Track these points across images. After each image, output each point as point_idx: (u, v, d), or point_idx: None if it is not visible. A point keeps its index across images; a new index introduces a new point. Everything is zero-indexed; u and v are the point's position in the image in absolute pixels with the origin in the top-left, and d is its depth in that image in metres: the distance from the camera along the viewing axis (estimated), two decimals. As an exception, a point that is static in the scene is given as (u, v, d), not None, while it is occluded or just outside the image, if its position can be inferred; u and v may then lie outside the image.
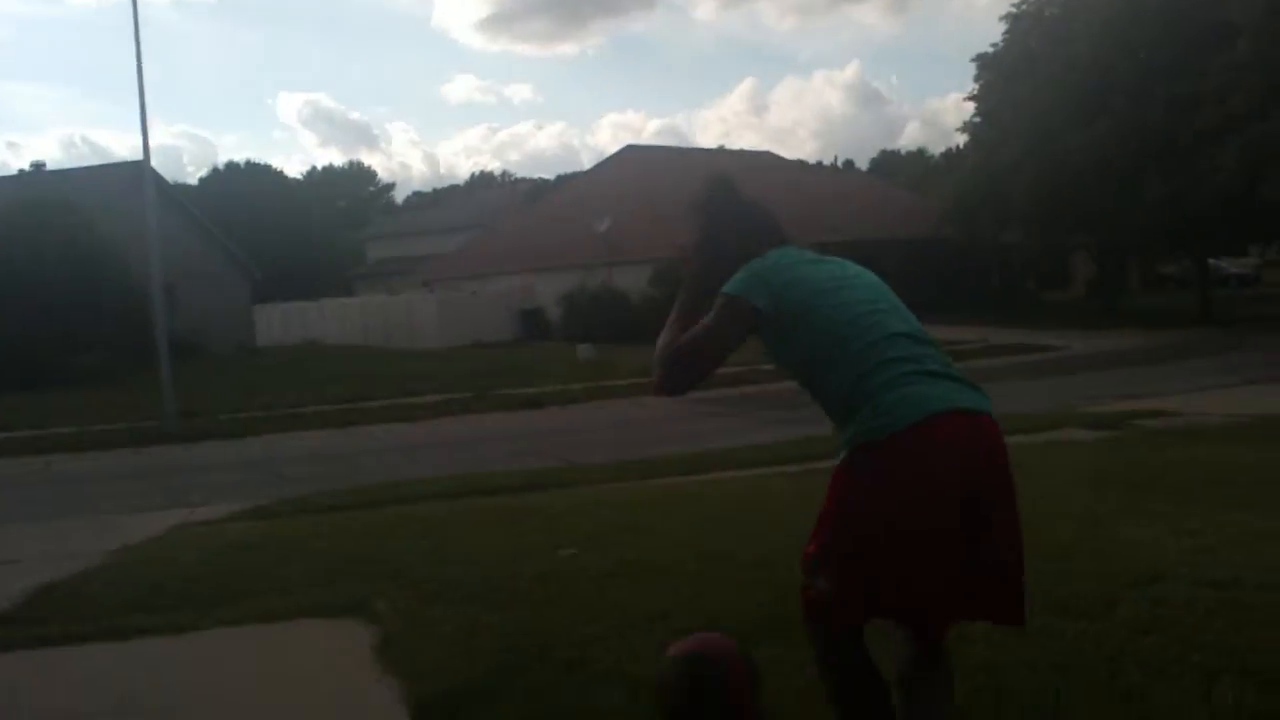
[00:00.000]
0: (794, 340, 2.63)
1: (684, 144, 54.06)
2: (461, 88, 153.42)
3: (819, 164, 59.37)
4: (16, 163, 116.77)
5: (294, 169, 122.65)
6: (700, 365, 2.75)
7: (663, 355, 2.74)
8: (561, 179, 63.63)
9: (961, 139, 41.60)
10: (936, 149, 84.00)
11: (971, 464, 2.47)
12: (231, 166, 63.76)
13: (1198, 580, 4.32)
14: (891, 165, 71.37)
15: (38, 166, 40.57)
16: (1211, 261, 37.29)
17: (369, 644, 4.34)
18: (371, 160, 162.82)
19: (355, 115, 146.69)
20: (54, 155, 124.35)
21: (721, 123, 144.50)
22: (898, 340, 2.55)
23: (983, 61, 35.54)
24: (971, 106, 36.34)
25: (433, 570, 5.36)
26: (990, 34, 69.04)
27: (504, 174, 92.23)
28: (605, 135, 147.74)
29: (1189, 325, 30.19)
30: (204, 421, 17.35)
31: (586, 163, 55.67)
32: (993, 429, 2.55)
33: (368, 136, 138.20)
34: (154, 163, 18.61)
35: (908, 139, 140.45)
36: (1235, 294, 42.17)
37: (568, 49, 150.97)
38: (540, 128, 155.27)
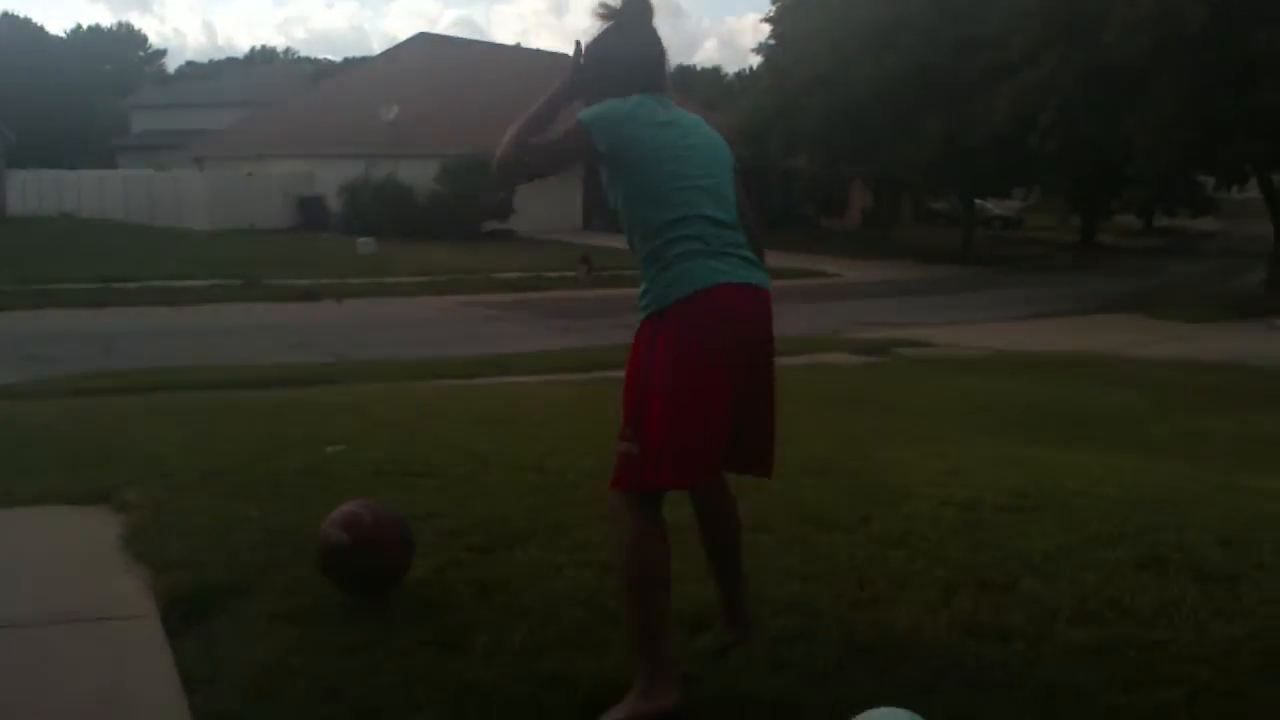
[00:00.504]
0: (616, 185, 2.87)
1: (480, 37, 52.64)
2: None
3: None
4: None
5: (56, 25, 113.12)
6: (532, 168, 3.09)
7: (508, 141, 2.96)
8: (350, 62, 61.19)
9: (756, 60, 42.23)
10: (731, 68, 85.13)
11: (743, 326, 2.78)
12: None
13: (944, 500, 4.58)
14: (687, 80, 71.63)
15: None
16: (978, 202, 39.34)
17: (117, 533, 4.13)
18: (143, 23, 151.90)
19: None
20: None
21: (519, 20, 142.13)
22: (697, 221, 2.77)
23: (782, -16, 36.02)
24: (767, 29, 36.82)
25: (188, 460, 5.13)
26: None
27: (288, 51, 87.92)
28: (398, 22, 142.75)
29: (953, 261, 31.88)
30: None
31: (377, 48, 53.53)
32: (765, 299, 2.85)
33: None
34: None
35: (704, 56, 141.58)
36: (998, 234, 44.71)
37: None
38: (330, 6, 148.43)
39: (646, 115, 2.87)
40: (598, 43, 3.04)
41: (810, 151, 35.16)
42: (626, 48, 3.02)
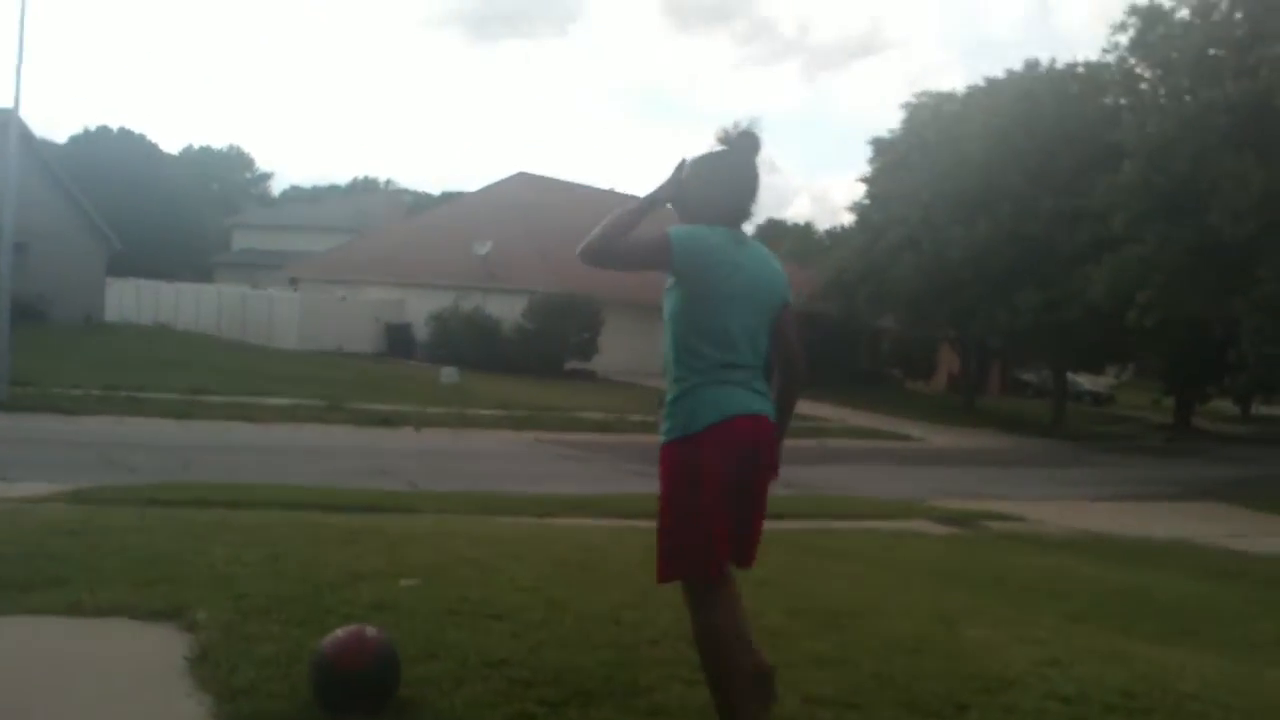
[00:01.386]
0: (671, 300, 3.33)
1: (578, 179, 53.75)
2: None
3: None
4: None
5: (171, 144, 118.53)
6: (613, 262, 3.39)
7: (599, 231, 3.29)
8: (448, 195, 62.97)
9: (849, 218, 42.60)
10: (823, 225, 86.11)
11: (749, 448, 3.26)
12: (104, 130, 61.18)
13: (1048, 694, 4.28)
14: (778, 234, 72.55)
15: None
16: (1070, 375, 38.74)
17: (183, 654, 3.99)
18: (252, 147, 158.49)
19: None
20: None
21: (617, 165, 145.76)
22: (729, 357, 3.26)
23: (878, 145, 36.53)
24: (862, 188, 37.24)
25: (261, 584, 5.01)
26: (890, 119, 70.99)
27: (389, 182, 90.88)
28: (498, 160, 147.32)
29: (1041, 434, 31.23)
30: (36, 393, 16.44)
31: (477, 184, 55.13)
32: (768, 426, 3.33)
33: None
34: (22, 112, 17.67)
35: (795, 211, 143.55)
36: (1089, 409, 43.87)
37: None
38: (433, 141, 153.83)
39: (724, 255, 3.25)
40: (705, 163, 3.35)
41: (899, 312, 35.09)
42: (730, 174, 3.35)
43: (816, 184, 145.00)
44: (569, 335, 32.32)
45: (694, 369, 3.25)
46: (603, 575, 6.15)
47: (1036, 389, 45.52)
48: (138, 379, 19.37)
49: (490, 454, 16.14)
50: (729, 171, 3.36)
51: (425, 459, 14.74)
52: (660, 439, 3.30)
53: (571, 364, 32.57)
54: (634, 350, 35.64)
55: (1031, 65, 32.34)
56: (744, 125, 3.36)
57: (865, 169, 37.15)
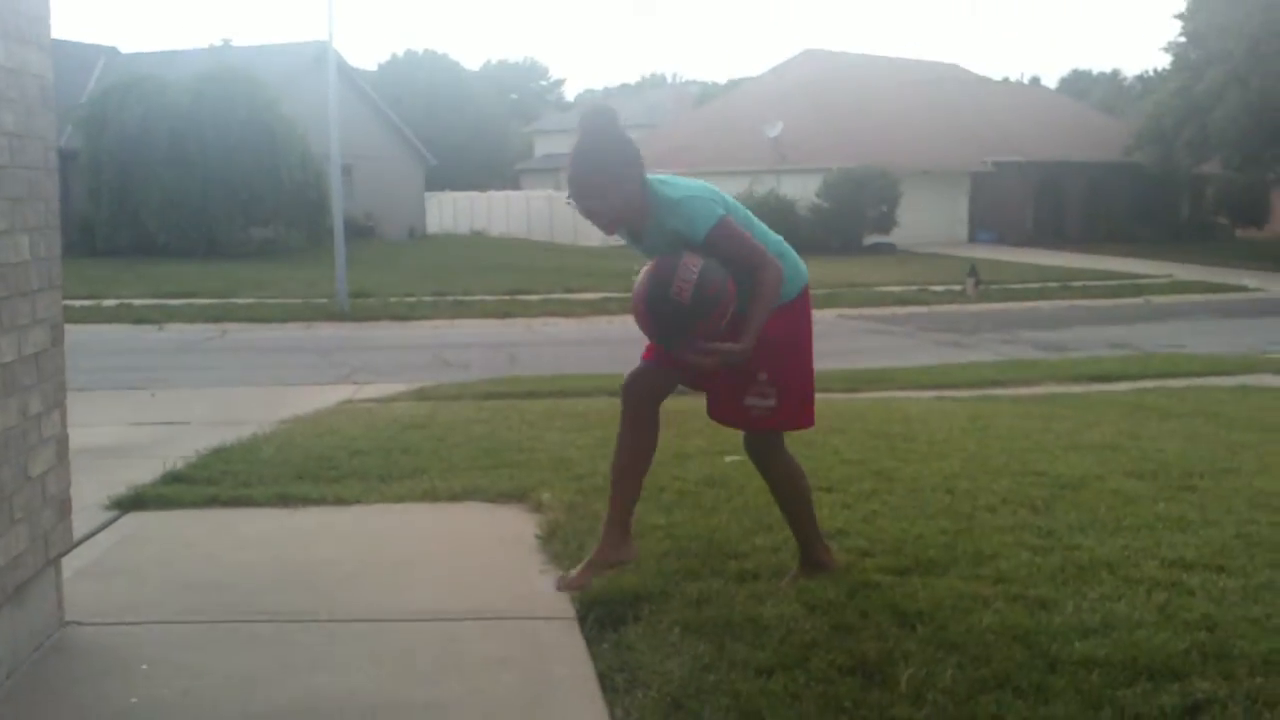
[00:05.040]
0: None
1: (864, 51, 51.31)
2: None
3: (1005, 80, 56.70)
4: (207, 37, 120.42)
5: (472, 60, 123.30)
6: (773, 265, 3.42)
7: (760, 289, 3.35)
8: (734, 83, 62.44)
9: (1161, 61, 39.14)
10: (1131, 71, 79.63)
11: None
12: (410, 55, 64.43)
13: None
14: (1083, 86, 67.78)
15: (225, 41, 41.60)
16: None
17: (534, 532, 4.25)
18: (546, 56, 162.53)
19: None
20: (242, 31, 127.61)
21: (909, 28, 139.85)
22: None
23: (1196, -25, 33.13)
24: (1178, 25, 34.01)
25: (596, 465, 5.24)
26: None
27: (675, 75, 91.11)
28: (785, 41, 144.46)
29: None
30: (374, 303, 17.73)
31: (764, 67, 54.30)
32: None
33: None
34: (336, 44, 18.80)
35: (1099, 59, 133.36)
36: None
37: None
38: (718, 30, 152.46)
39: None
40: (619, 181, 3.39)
41: (1224, 155, 32.13)
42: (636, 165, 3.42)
43: (1122, 24, 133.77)
44: (866, 210, 31.64)
45: (774, 238, 3.61)
46: (925, 445, 6.04)
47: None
48: (461, 284, 20.57)
49: (796, 334, 16.11)
50: (634, 164, 3.41)
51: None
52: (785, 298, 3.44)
53: (871, 238, 31.92)
54: (934, 220, 34.55)
55: None
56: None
57: (1179, 5, 33.86)
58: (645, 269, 3.33)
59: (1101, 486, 4.88)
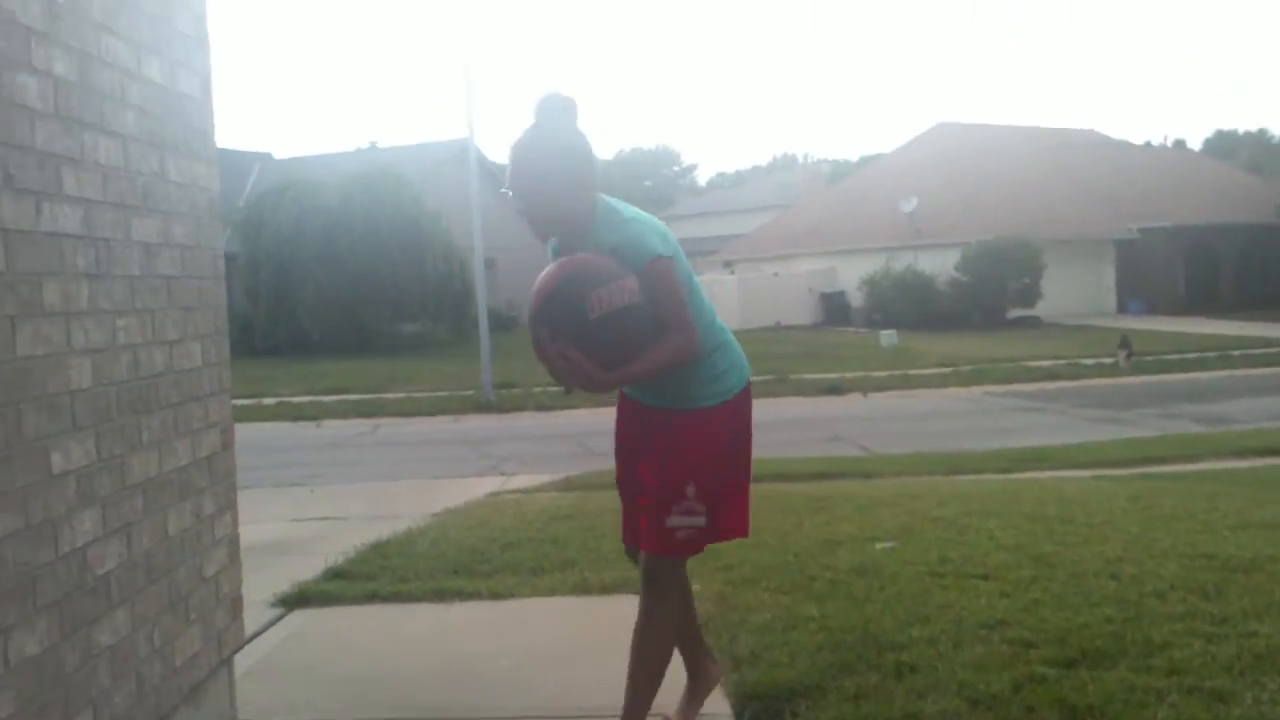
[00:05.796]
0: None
1: (997, 121, 50.66)
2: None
3: (1146, 143, 55.38)
4: (355, 140, 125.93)
5: (608, 150, 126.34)
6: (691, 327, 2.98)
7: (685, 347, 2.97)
8: (866, 159, 62.41)
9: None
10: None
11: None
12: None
13: None
14: (1228, 145, 65.67)
15: (372, 143, 43.44)
16: None
17: (684, 626, 4.23)
18: (678, 142, 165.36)
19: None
20: (388, 133, 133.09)
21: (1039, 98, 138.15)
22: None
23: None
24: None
25: (745, 554, 5.21)
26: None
27: (806, 155, 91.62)
28: (916, 116, 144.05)
29: None
30: (518, 393, 18.05)
31: (896, 143, 54.54)
32: None
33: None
34: (476, 141, 19.47)
35: (1246, 118, 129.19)
36: None
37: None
38: (847, 107, 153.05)
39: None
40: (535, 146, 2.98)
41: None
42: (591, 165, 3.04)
43: (1268, 82, 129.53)
44: (1008, 283, 31.06)
45: (719, 340, 3.14)
46: (1086, 528, 5.84)
47: None
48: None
49: (940, 412, 15.82)
50: (589, 164, 3.00)
51: (876, 423, 14.70)
52: (710, 402, 3.04)
53: (1014, 312, 31.27)
54: (1079, 291, 33.72)
55: None
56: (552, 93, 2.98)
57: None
58: (578, 258, 2.88)
59: (1275, 569, 4.64)
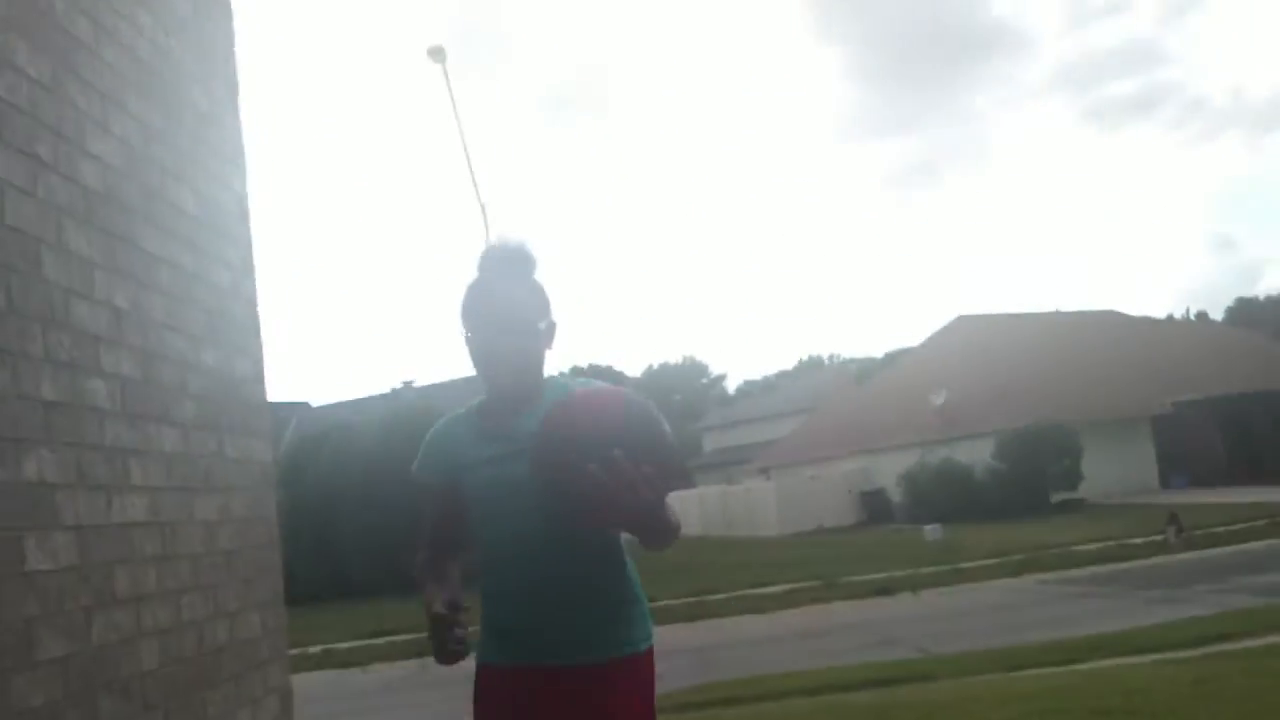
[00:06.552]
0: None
1: (1016, 309, 51.97)
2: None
3: (1169, 318, 55.90)
4: (389, 382, 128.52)
5: (634, 368, 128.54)
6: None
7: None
8: (891, 355, 63.13)
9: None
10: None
11: None
12: (576, 370, 67.55)
13: None
14: (1250, 311, 66.16)
15: (407, 384, 44.40)
16: None
17: None
18: (704, 355, 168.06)
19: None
20: (422, 373, 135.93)
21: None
22: None
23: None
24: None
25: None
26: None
27: (832, 356, 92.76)
28: (937, 309, 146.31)
29: None
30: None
31: (918, 337, 55.78)
32: None
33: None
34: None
35: (1268, 284, 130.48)
36: None
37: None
38: (866, 308, 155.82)
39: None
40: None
41: None
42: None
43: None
44: (1047, 467, 30.91)
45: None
46: (1152, 718, 5.73)
47: None
48: (648, 589, 20.60)
49: (993, 605, 15.54)
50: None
51: (929, 622, 14.45)
52: (638, 647, 2.47)
53: (1057, 496, 30.99)
54: (1121, 469, 33.48)
55: None
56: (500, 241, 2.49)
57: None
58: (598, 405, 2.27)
59: None
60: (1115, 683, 7.53)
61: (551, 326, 2.47)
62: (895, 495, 33.89)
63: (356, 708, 12.08)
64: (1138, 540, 20.78)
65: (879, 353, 77.27)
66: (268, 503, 3.69)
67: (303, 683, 14.14)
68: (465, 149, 25.28)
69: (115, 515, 2.57)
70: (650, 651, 2.46)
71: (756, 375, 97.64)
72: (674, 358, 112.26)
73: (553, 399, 2.33)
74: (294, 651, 16.91)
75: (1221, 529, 21.30)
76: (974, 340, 38.67)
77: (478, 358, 2.41)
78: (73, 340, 2.45)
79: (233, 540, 3.25)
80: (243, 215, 3.54)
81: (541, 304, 2.45)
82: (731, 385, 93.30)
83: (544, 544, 2.30)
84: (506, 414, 2.40)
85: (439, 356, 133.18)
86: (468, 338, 2.42)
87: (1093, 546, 20.78)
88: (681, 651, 13.89)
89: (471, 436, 2.44)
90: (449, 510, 2.45)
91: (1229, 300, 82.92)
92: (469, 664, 2.27)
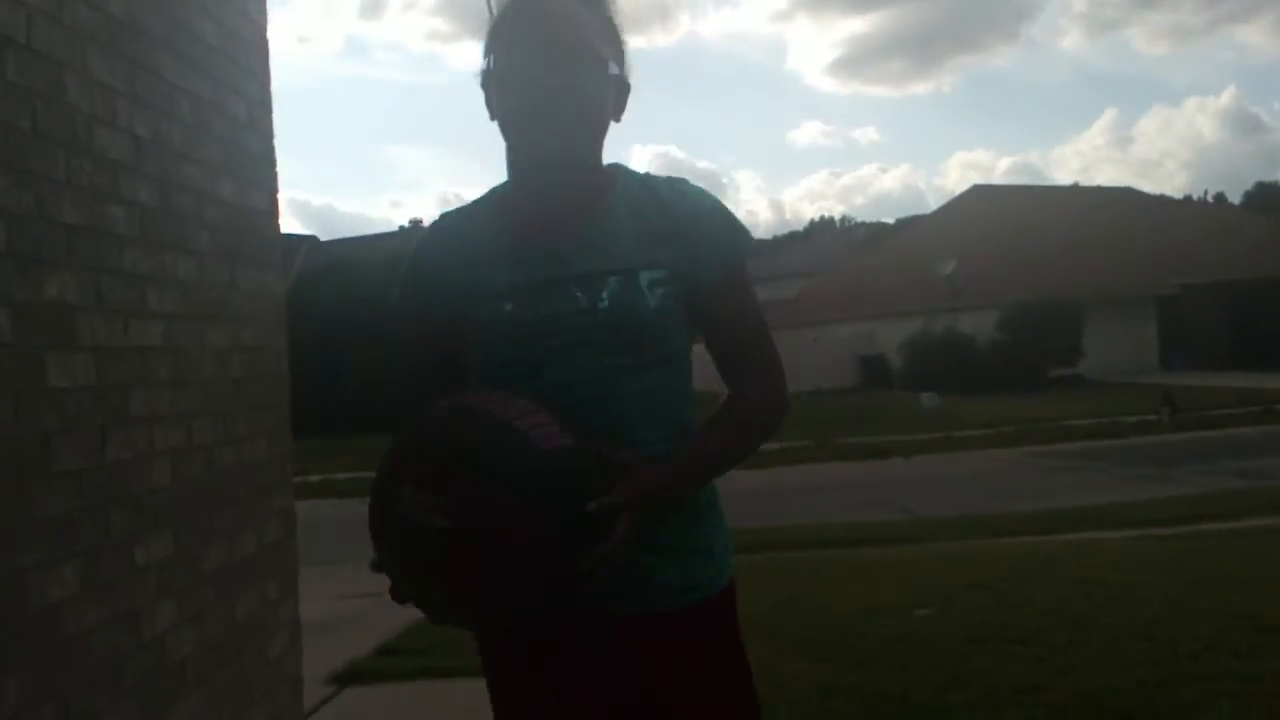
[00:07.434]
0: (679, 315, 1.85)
1: (1038, 182, 51.24)
2: (808, 133, 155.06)
3: (1187, 198, 55.26)
4: (398, 219, 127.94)
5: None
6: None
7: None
8: (902, 222, 62.73)
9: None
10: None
11: None
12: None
13: None
14: (1270, 198, 65.41)
15: (415, 223, 44.35)
16: None
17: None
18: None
19: (703, 164, 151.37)
20: (430, 212, 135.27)
21: (1079, 158, 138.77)
22: None
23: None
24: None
25: (784, 622, 5.34)
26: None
27: (844, 219, 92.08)
28: (953, 176, 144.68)
29: None
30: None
31: (932, 205, 55.13)
32: None
33: (716, 185, 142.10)
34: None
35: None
36: None
37: (921, 89, 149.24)
38: (885, 170, 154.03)
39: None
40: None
41: None
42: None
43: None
44: (1049, 342, 31.03)
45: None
46: (1123, 589, 5.92)
47: None
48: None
49: (982, 474, 15.82)
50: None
51: (918, 486, 14.74)
52: (716, 580, 1.77)
53: (1056, 371, 31.19)
54: (1122, 348, 33.60)
55: None
56: None
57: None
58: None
59: None
60: (1093, 554, 7.76)
61: (624, 84, 1.66)
62: (896, 362, 34.09)
63: (350, 537, 12.40)
64: (1131, 419, 21.00)
65: (891, 218, 76.82)
66: (277, 335, 3.77)
67: (301, 509, 14.54)
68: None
69: (132, 339, 2.64)
70: (724, 590, 1.81)
71: (769, 235, 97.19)
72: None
73: (627, 197, 1.65)
74: (295, 479, 17.36)
75: (1216, 412, 21.50)
76: (987, 211, 38.37)
77: (510, 105, 1.58)
78: (94, 165, 2.48)
79: (243, 369, 3.34)
80: (262, 47, 3.52)
81: (614, 40, 1.64)
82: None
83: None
84: (550, 217, 1.60)
85: (443, 197, 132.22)
86: (496, 74, 1.59)
87: (1086, 422, 21.01)
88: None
89: (490, 249, 1.61)
90: (446, 362, 1.69)
91: (1249, 185, 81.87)
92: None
